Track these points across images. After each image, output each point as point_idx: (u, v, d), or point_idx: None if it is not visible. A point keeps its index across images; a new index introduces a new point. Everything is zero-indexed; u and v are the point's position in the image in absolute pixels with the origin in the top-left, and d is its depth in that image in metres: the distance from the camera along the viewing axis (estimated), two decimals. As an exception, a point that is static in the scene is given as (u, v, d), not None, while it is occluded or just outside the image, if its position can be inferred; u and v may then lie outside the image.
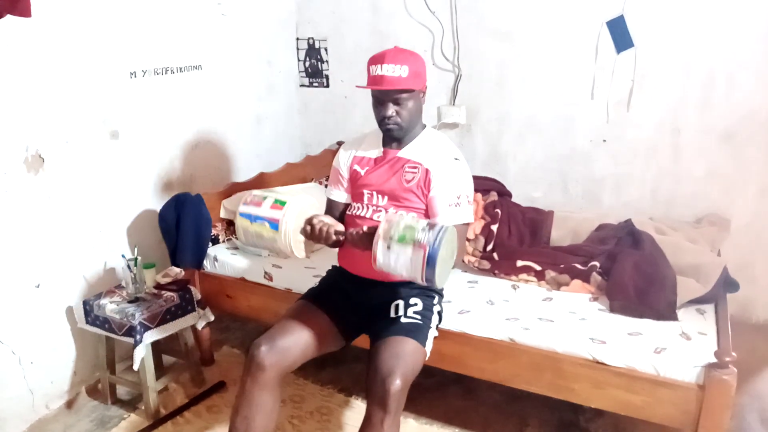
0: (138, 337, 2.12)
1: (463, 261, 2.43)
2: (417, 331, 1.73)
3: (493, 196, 2.57)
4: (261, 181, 2.77)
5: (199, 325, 2.39)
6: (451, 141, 1.94)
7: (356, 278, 1.86)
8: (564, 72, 2.72)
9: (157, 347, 2.25)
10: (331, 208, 1.97)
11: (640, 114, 2.62)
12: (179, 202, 2.45)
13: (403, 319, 1.75)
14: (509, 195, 2.72)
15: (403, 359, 1.62)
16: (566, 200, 2.82)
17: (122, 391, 2.40)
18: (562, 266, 2.25)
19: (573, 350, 1.88)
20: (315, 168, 3.09)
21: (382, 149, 1.89)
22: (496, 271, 2.33)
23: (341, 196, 1.95)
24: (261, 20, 3.05)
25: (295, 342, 1.71)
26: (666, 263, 2.13)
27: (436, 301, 1.87)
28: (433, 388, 2.34)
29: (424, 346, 1.73)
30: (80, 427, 2.24)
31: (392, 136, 1.84)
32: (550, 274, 2.25)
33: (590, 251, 2.29)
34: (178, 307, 2.28)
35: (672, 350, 1.81)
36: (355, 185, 1.91)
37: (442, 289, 1.91)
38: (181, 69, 2.61)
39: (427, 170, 1.80)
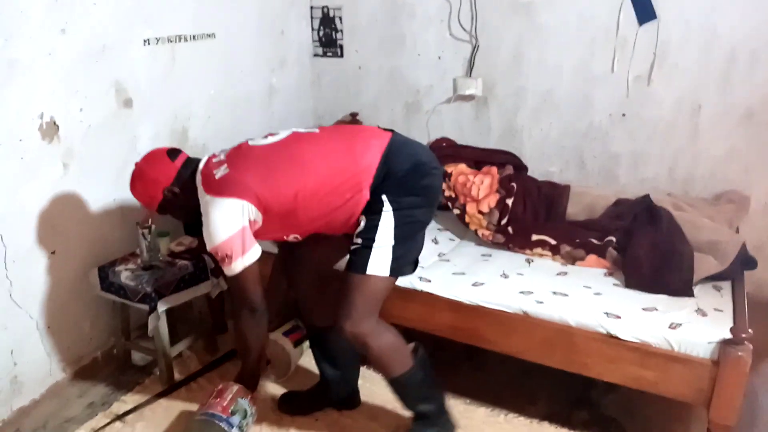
0: (152, 304, 2.13)
1: (477, 234, 2.42)
2: (355, 261, 1.71)
3: (509, 170, 2.55)
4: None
5: (213, 294, 2.40)
6: (205, 198, 1.73)
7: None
8: (584, 45, 2.66)
9: (171, 314, 2.27)
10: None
11: (661, 89, 2.57)
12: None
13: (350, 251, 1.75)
14: (525, 169, 2.69)
15: (345, 303, 1.72)
16: (582, 176, 2.79)
17: (137, 358, 2.43)
18: (577, 241, 2.23)
19: (587, 324, 1.87)
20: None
21: None
22: (511, 245, 2.33)
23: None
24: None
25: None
26: (683, 239, 2.11)
27: (384, 206, 1.69)
28: (443, 362, 2.34)
29: (364, 272, 1.68)
30: (96, 391, 2.28)
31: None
32: (565, 248, 2.24)
33: (606, 226, 2.27)
34: (192, 276, 2.29)
35: (687, 326, 1.80)
36: None
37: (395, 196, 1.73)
38: (194, 37, 2.59)
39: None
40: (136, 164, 1.85)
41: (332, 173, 1.71)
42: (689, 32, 2.46)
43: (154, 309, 2.13)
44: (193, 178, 1.79)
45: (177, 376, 2.31)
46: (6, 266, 2.03)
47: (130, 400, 2.21)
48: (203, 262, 2.34)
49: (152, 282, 2.15)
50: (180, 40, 2.53)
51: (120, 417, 2.10)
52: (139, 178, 1.83)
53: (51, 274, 2.19)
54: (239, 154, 1.79)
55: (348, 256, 1.74)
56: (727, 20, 2.38)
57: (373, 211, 1.71)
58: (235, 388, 1.88)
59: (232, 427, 1.79)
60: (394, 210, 1.69)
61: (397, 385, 1.83)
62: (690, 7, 2.43)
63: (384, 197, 1.70)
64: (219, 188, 1.70)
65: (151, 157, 1.85)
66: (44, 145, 2.09)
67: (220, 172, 1.73)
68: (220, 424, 1.77)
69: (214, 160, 1.80)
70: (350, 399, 2.13)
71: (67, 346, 2.29)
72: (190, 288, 2.28)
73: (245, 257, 1.70)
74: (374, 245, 1.68)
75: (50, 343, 2.22)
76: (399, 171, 1.71)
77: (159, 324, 2.17)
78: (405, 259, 1.76)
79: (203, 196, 1.73)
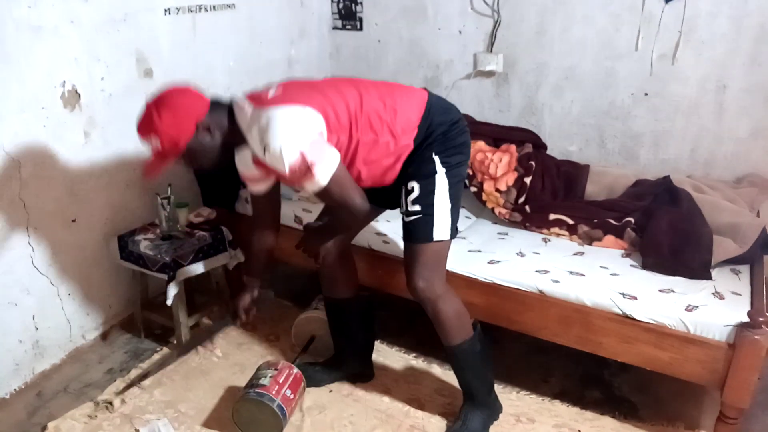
0: (171, 273, 2.16)
1: (494, 212, 2.41)
2: (419, 231, 1.72)
3: (528, 148, 2.53)
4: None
5: (230, 265, 2.43)
6: (265, 113, 1.53)
7: None
8: (608, 22, 2.60)
9: (189, 285, 2.30)
10: (256, 203, 1.93)
11: (685, 68, 2.51)
12: (212, 143, 2.45)
13: (405, 218, 1.75)
14: (544, 147, 2.66)
15: (416, 264, 1.74)
16: (602, 156, 2.75)
17: (155, 326, 2.48)
18: (595, 221, 2.22)
19: (603, 304, 1.87)
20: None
21: (250, 155, 1.68)
22: (528, 224, 2.32)
23: (261, 188, 1.83)
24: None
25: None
26: (703, 221, 2.09)
27: (437, 167, 1.70)
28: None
29: (430, 240, 1.72)
30: (114, 358, 2.33)
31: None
32: (583, 228, 2.23)
33: (625, 207, 2.25)
34: (210, 247, 2.31)
35: (704, 309, 1.80)
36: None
37: (443, 147, 1.72)
38: (214, 7, 2.57)
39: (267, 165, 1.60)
40: (162, 95, 1.54)
41: (383, 105, 1.66)
42: (718, 8, 2.39)
43: (172, 279, 2.16)
44: (227, 114, 1.59)
45: (194, 345, 2.35)
46: (28, 233, 2.06)
47: (148, 367, 2.25)
48: (221, 234, 2.36)
49: (171, 252, 2.17)
50: (200, 10, 2.51)
51: (138, 382, 2.15)
52: (168, 109, 1.50)
53: (72, 241, 2.22)
54: (283, 83, 1.67)
55: (406, 225, 1.74)
56: (756, -1, 2.31)
57: (424, 173, 1.70)
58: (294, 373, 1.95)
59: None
60: (446, 171, 1.71)
61: (458, 352, 1.84)
62: (720, -20, 2.36)
63: (435, 157, 1.70)
64: (280, 101, 1.55)
65: (177, 90, 1.57)
66: (66, 113, 2.11)
67: (272, 92, 1.60)
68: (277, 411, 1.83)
69: (250, 94, 1.64)
70: (364, 372, 2.16)
71: (86, 313, 2.34)
72: (209, 259, 2.31)
73: (329, 162, 1.53)
74: (435, 212, 1.70)
75: (71, 310, 2.27)
76: (441, 127, 1.71)
77: (177, 294, 2.21)
78: (457, 217, 1.79)
79: (257, 116, 1.53)
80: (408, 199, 1.72)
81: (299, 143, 1.49)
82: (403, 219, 1.76)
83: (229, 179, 2.47)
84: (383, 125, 1.65)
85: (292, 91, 1.60)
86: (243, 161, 1.71)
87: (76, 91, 2.12)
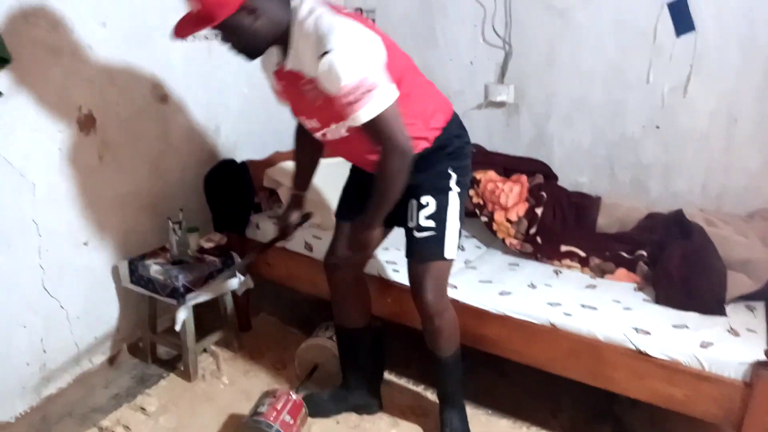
0: (180, 299, 2.16)
1: (505, 243, 2.40)
2: (431, 248, 1.74)
3: (539, 179, 2.53)
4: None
5: (239, 291, 2.42)
6: (328, 16, 1.46)
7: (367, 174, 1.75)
8: (619, 54, 2.62)
9: (197, 310, 2.29)
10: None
11: (696, 101, 2.52)
12: (225, 169, 2.47)
13: (417, 233, 1.73)
14: (555, 178, 2.67)
15: (425, 280, 1.75)
16: (613, 187, 2.75)
17: (162, 351, 2.46)
18: (607, 254, 2.21)
19: (615, 339, 1.85)
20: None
21: (276, 61, 1.61)
22: (539, 255, 2.30)
23: None
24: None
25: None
26: (716, 256, 2.07)
27: (451, 184, 1.72)
28: (465, 370, 2.33)
29: (442, 258, 1.74)
30: (121, 382, 2.31)
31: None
32: (595, 261, 2.21)
33: (637, 239, 2.24)
34: (220, 272, 2.31)
35: (719, 345, 1.77)
36: (288, 103, 1.75)
37: (455, 153, 1.75)
38: (230, 35, 2.60)
39: (313, 80, 1.50)
40: None
41: (425, 87, 1.70)
42: (728, 42, 2.40)
43: (181, 304, 2.15)
44: (284, 8, 1.50)
45: (200, 372, 2.33)
46: (40, 255, 2.07)
47: (154, 393, 2.24)
48: (232, 260, 2.36)
49: (181, 277, 2.17)
50: (216, 36, 2.53)
51: (144, 407, 2.13)
52: None
53: (82, 264, 2.22)
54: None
55: (417, 241, 1.74)
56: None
57: (439, 188, 1.71)
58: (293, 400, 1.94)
59: None
60: (459, 191, 1.74)
61: (451, 362, 1.91)
62: (730, 16, 2.37)
63: (452, 173, 1.73)
64: (353, 17, 1.49)
65: None
66: (81, 136, 2.13)
67: (346, 10, 1.55)
68: None
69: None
70: (372, 403, 2.14)
71: (94, 336, 2.33)
72: (218, 284, 2.30)
73: (387, 94, 1.46)
74: (447, 229, 1.73)
75: (79, 333, 2.26)
76: (458, 140, 1.74)
77: (186, 319, 2.20)
78: (459, 237, 1.81)
79: (322, 19, 1.44)
80: (421, 214, 1.72)
81: (364, 64, 1.41)
82: (412, 234, 1.75)
83: (240, 204, 2.48)
84: (419, 103, 1.63)
85: (365, 21, 1.55)
86: (266, 65, 1.69)
87: (91, 115, 2.14)
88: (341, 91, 1.42)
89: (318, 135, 1.72)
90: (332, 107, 1.51)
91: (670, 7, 2.48)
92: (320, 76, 1.45)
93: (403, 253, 1.93)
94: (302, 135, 1.89)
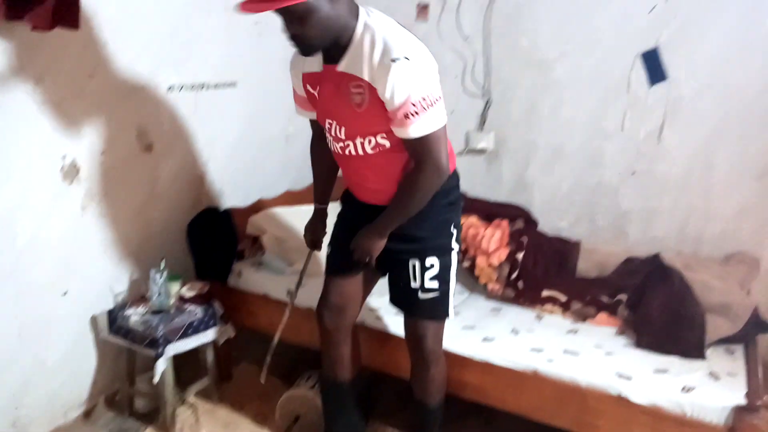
0: (160, 349, 2.12)
1: (487, 288, 2.41)
2: (436, 309, 1.78)
3: (520, 224, 2.57)
4: (288, 199, 2.79)
5: (220, 341, 2.39)
6: (402, 30, 1.52)
7: (366, 208, 1.76)
8: (595, 102, 2.71)
9: (176, 360, 2.25)
10: (313, 127, 1.87)
11: (671, 148, 2.59)
12: (208, 217, 2.48)
13: (421, 294, 1.75)
14: (536, 223, 2.70)
15: (426, 334, 1.80)
16: (592, 232, 2.79)
17: (139, 404, 2.40)
18: (587, 298, 2.22)
19: (598, 385, 1.85)
20: (339, 188, 3.10)
21: (322, 63, 1.60)
22: (521, 300, 2.31)
23: (313, 115, 1.76)
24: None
25: (348, 297, 1.89)
26: (695, 300, 2.09)
27: (453, 243, 1.76)
28: (451, 418, 2.30)
29: (445, 316, 1.81)
30: (97, 437, 2.24)
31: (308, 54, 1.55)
32: (576, 305, 2.23)
33: (617, 284, 2.26)
34: (201, 322, 2.28)
35: (700, 390, 1.78)
36: (317, 108, 1.70)
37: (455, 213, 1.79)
38: (216, 85, 2.66)
39: (369, 85, 1.49)
40: None
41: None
42: (702, 89, 2.47)
43: (160, 355, 2.12)
44: (353, 9, 1.51)
45: (178, 426, 2.28)
46: (17, 304, 2.04)
47: (131, 447, 2.18)
48: (213, 308, 2.34)
49: (161, 327, 2.14)
50: (203, 88, 2.60)
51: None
52: None
53: (61, 314, 2.19)
54: None
55: (421, 302, 1.76)
56: (741, 77, 2.39)
57: (442, 248, 1.75)
58: None
59: None
60: (456, 250, 1.79)
61: (436, 409, 1.93)
62: (703, 63, 2.45)
63: (454, 231, 1.77)
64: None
65: None
66: (65, 185, 2.13)
67: None
68: None
69: None
70: None
71: (70, 390, 2.27)
72: (199, 334, 2.27)
73: (440, 116, 1.52)
74: (450, 289, 1.79)
75: (55, 385, 2.21)
76: (457, 191, 1.78)
77: (165, 370, 2.16)
78: None
79: (393, 29, 1.48)
80: (426, 275, 1.74)
81: (431, 80, 1.47)
82: (415, 294, 1.76)
83: (223, 252, 2.48)
84: (447, 139, 1.64)
85: None
86: (298, 66, 1.67)
87: (75, 166, 2.15)
88: (406, 101, 1.44)
89: (337, 147, 1.67)
90: (370, 116, 1.52)
91: (644, 57, 2.58)
92: (387, 80, 1.44)
93: (384, 299, 1.93)
94: (318, 147, 1.89)
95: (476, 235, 2.51)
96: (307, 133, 3.23)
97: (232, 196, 2.83)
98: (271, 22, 2.84)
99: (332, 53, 1.54)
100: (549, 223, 2.81)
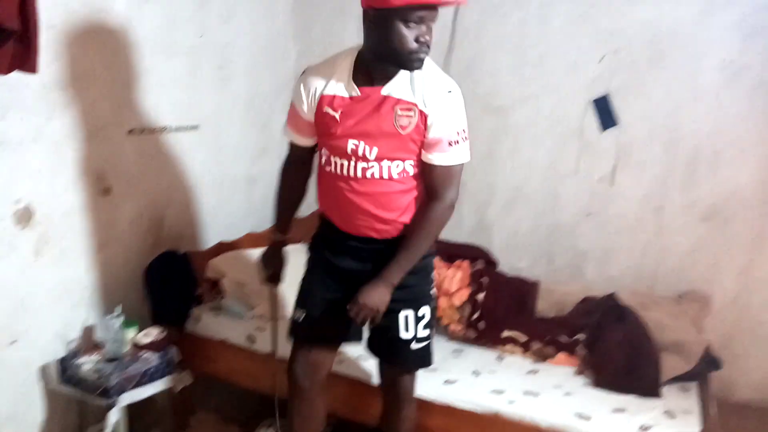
0: (112, 399, 2.05)
1: (448, 329, 2.42)
2: (426, 357, 1.79)
3: (480, 265, 2.60)
4: (249, 242, 2.77)
5: (176, 388, 2.32)
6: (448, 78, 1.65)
7: (350, 238, 1.71)
8: (551, 146, 2.81)
9: (131, 410, 2.18)
10: (295, 152, 1.81)
11: (624, 190, 2.69)
12: (166, 261, 2.44)
13: (414, 345, 1.73)
14: (495, 264, 2.74)
15: (406, 381, 1.82)
16: (551, 272, 2.85)
17: (91, 456, 2.30)
18: (547, 338, 2.25)
19: (558, 426, 1.86)
20: (301, 231, 3.09)
21: (356, 87, 1.58)
22: (482, 341, 2.33)
23: (308, 141, 1.75)
24: (261, 84, 3.12)
25: (326, 353, 1.83)
26: (650, 339, 2.14)
27: (433, 289, 1.82)
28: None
29: (431, 363, 1.81)
30: (43, 494, 2.13)
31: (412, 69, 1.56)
32: (536, 345, 2.25)
33: (575, 324, 2.30)
34: (157, 369, 2.21)
35: (657, 429, 1.81)
36: (329, 133, 1.62)
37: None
38: (178, 128, 2.66)
39: (422, 112, 1.56)
40: None
41: None
42: (652, 132, 2.60)
43: (112, 406, 2.04)
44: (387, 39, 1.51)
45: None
46: (-38, 356, 1.96)
47: (79, 504, 2.07)
48: (169, 355, 2.28)
49: (114, 375, 2.07)
50: (164, 131, 2.59)
51: None
52: None
53: (9, 364, 2.10)
54: None
55: (412, 352, 1.74)
56: (690, 120, 2.52)
57: (427, 296, 1.77)
58: None
59: None
60: (435, 292, 1.82)
61: None
62: (653, 108, 2.58)
63: (433, 277, 1.81)
64: None
65: None
66: (17, 230, 2.08)
67: None
68: None
69: None
70: None
71: (16, 444, 2.17)
72: (155, 382, 2.20)
73: (467, 152, 1.66)
74: (433, 335, 1.80)
75: (-1, 440, 2.10)
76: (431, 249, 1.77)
77: (117, 422, 2.08)
78: None
79: (439, 70, 1.62)
80: (419, 326, 1.73)
81: (464, 120, 1.63)
82: (407, 345, 1.72)
83: (181, 297, 2.44)
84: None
85: None
86: (316, 86, 1.61)
87: (29, 209, 2.11)
88: (454, 130, 1.59)
89: (354, 168, 1.61)
90: (410, 140, 1.58)
91: (595, 103, 2.69)
92: (443, 110, 1.57)
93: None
94: (293, 171, 1.86)
95: (437, 277, 2.53)
96: (271, 175, 3.24)
97: (192, 239, 2.80)
98: (234, 66, 2.91)
99: (376, 75, 1.57)
100: (508, 264, 2.86)
